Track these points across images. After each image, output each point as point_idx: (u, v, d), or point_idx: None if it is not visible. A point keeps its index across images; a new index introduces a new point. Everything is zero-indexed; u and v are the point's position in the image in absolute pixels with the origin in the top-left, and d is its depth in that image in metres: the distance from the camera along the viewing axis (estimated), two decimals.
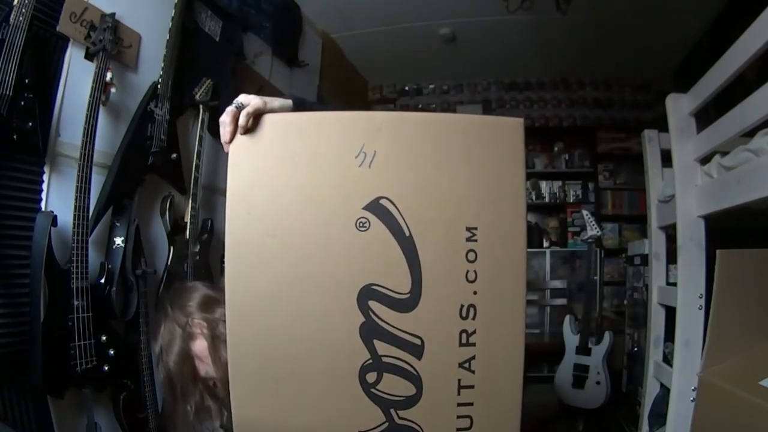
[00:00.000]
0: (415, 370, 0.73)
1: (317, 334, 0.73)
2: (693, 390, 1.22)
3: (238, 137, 0.75)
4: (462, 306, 0.73)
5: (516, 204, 0.75)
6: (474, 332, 0.73)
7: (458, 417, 0.74)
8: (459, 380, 0.74)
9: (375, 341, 0.73)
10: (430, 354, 0.73)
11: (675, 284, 1.43)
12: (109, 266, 1.34)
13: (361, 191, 0.73)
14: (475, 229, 0.73)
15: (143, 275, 1.42)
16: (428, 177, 0.74)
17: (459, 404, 0.74)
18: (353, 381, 0.73)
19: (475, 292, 0.73)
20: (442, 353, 0.73)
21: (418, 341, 0.73)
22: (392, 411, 0.74)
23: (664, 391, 1.47)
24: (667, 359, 1.55)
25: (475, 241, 0.73)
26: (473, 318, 0.73)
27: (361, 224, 0.73)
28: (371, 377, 0.73)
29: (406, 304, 0.73)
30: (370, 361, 0.73)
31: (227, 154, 0.76)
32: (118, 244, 1.37)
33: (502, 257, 0.74)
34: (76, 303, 1.19)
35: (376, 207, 0.73)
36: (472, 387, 0.74)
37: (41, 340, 1.13)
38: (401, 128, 0.75)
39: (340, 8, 2.76)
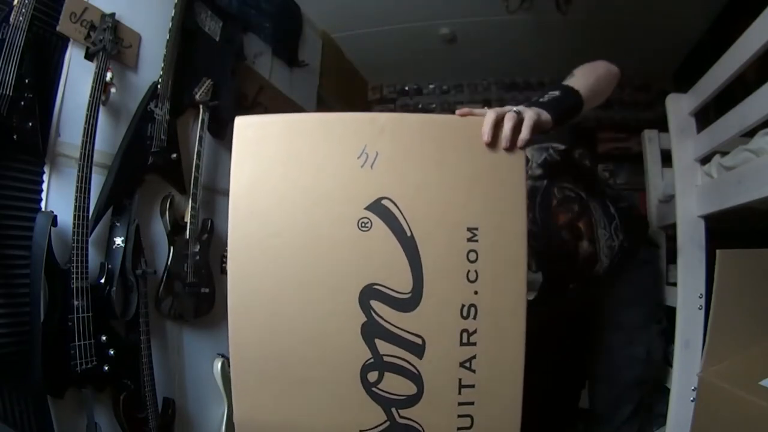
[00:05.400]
0: (416, 370, 0.73)
1: (319, 333, 0.73)
2: (693, 390, 1.22)
3: (242, 139, 0.75)
4: (463, 306, 0.73)
5: (516, 204, 0.75)
6: (475, 332, 0.73)
7: (459, 416, 0.74)
8: (460, 380, 0.74)
9: (376, 340, 0.73)
10: (431, 353, 0.73)
11: (675, 284, 1.43)
12: (109, 266, 1.34)
13: (363, 192, 0.73)
14: (476, 229, 0.74)
15: (143, 275, 1.42)
16: (430, 178, 0.74)
17: (460, 403, 0.74)
18: (355, 380, 0.73)
19: (476, 292, 0.73)
20: (443, 353, 0.74)
21: (419, 341, 0.73)
22: (393, 410, 0.74)
23: (665, 391, 1.47)
24: (668, 359, 1.54)
25: (476, 241, 0.73)
26: (474, 317, 0.73)
27: (363, 224, 0.73)
28: (372, 376, 0.74)
29: (408, 304, 0.73)
30: (372, 360, 0.73)
31: (228, 154, 0.76)
32: (118, 244, 1.37)
33: (502, 257, 0.74)
34: (76, 303, 1.19)
35: (377, 207, 0.73)
36: (472, 386, 0.74)
37: (41, 340, 1.13)
38: (403, 129, 0.75)
39: (340, 8, 2.76)
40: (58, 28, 1.26)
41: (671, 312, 1.39)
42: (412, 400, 0.74)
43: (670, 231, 1.61)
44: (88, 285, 1.22)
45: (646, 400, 1.31)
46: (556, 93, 0.95)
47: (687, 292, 1.35)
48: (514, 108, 0.78)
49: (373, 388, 0.74)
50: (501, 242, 0.74)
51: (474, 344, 0.73)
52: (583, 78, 1.03)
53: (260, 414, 0.75)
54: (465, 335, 0.73)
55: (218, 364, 1.78)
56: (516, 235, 0.74)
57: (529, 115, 0.77)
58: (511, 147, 0.74)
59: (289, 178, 0.74)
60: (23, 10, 1.12)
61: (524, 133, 0.75)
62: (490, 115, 0.75)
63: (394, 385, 0.74)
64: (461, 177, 0.74)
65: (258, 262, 0.74)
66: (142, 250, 1.44)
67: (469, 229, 0.73)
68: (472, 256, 0.73)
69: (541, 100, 0.90)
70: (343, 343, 0.73)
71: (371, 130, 0.74)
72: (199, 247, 1.68)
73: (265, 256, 0.74)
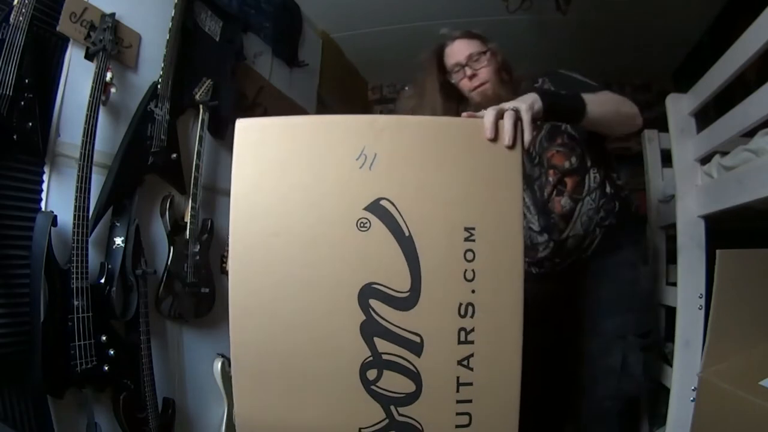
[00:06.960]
0: (415, 368, 0.75)
1: (319, 332, 0.75)
2: (693, 390, 1.22)
3: (243, 142, 0.77)
4: (461, 304, 0.75)
5: (513, 204, 0.76)
6: (472, 330, 0.75)
7: (457, 414, 0.75)
8: (458, 378, 0.75)
9: (375, 339, 0.74)
10: (429, 351, 0.74)
11: (675, 284, 1.43)
12: (109, 266, 1.34)
13: (362, 192, 0.75)
14: (473, 229, 0.75)
15: (143, 275, 1.42)
16: (428, 178, 0.75)
17: (458, 401, 0.75)
18: (354, 378, 0.74)
19: (473, 291, 0.75)
20: (441, 351, 0.75)
21: (417, 339, 0.74)
22: (392, 408, 0.75)
23: (664, 391, 1.47)
24: (667, 359, 1.54)
25: (473, 240, 0.75)
26: (472, 316, 0.75)
27: (362, 224, 0.75)
28: (372, 374, 0.75)
29: (406, 303, 0.74)
30: (371, 358, 0.75)
31: (228, 154, 0.77)
32: (118, 244, 1.37)
33: (499, 256, 0.75)
34: (76, 303, 1.19)
35: (376, 208, 0.75)
36: (470, 384, 0.75)
37: (41, 340, 1.13)
38: (402, 131, 0.77)
39: (340, 8, 2.76)
40: (58, 28, 1.26)
41: (671, 312, 1.39)
42: (410, 398, 0.75)
43: (670, 231, 1.61)
44: (88, 285, 1.22)
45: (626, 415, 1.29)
46: (562, 92, 0.96)
47: (687, 292, 1.36)
48: (512, 105, 0.80)
49: (372, 386, 0.75)
50: (498, 241, 0.75)
51: (472, 342, 0.75)
52: (599, 97, 1.05)
53: (261, 413, 0.76)
54: (463, 333, 0.74)
55: (218, 364, 1.78)
56: (513, 234, 0.75)
57: (524, 109, 0.80)
58: (513, 143, 0.76)
59: (289, 179, 0.76)
60: (23, 10, 1.12)
61: (527, 135, 0.78)
62: (490, 112, 0.77)
63: (393, 383, 0.75)
64: (459, 177, 0.76)
65: (259, 262, 0.75)
66: (142, 250, 1.44)
67: (466, 229, 0.75)
68: (470, 255, 0.75)
69: (543, 87, 0.91)
70: (343, 342, 0.74)
71: (370, 132, 0.76)
72: (199, 247, 1.68)
73: (265, 255, 0.75)
